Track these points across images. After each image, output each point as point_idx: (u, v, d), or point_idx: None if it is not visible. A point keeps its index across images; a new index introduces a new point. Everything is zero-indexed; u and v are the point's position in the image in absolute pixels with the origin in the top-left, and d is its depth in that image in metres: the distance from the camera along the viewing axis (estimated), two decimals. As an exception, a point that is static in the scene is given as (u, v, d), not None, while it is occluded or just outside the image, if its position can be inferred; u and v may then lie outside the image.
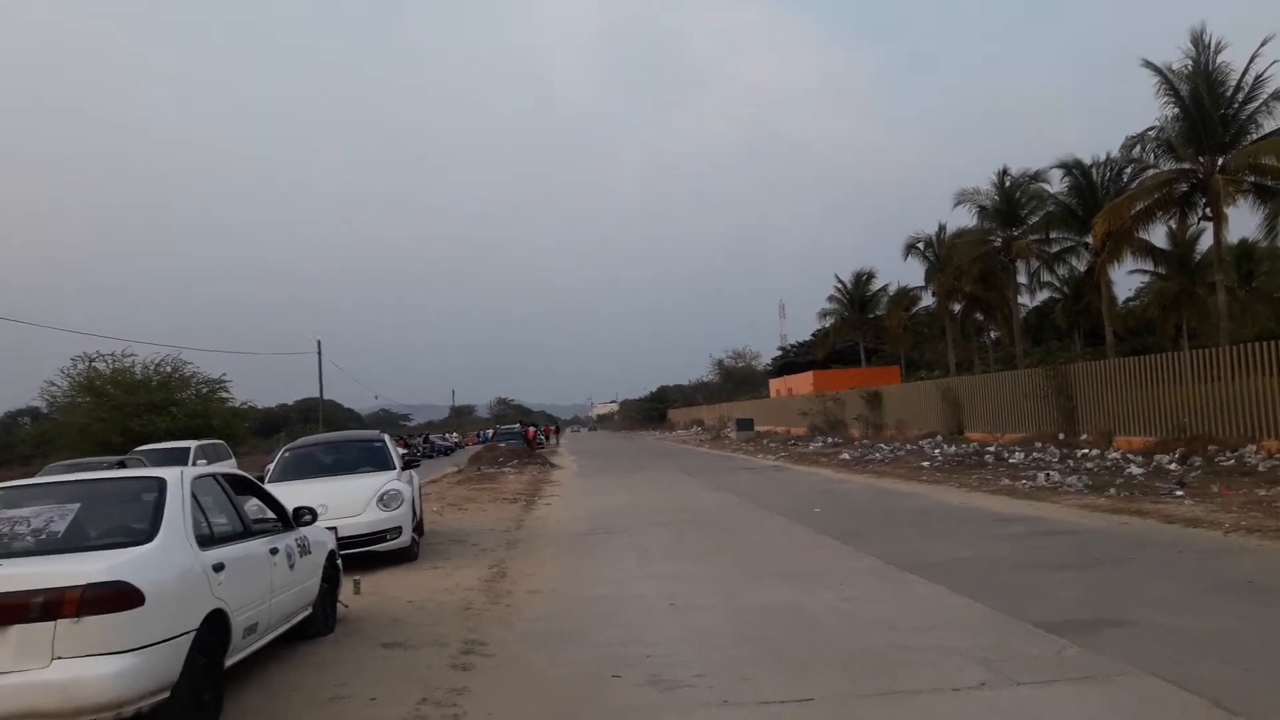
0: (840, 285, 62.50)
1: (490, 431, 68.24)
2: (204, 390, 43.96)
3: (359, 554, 11.01)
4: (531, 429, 54.98)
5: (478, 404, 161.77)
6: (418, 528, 13.41)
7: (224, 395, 45.13)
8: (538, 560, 11.28)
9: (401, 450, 50.12)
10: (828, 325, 66.43)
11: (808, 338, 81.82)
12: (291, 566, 6.73)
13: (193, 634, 4.99)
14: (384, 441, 13.21)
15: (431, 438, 68.14)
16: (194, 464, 24.13)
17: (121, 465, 19.84)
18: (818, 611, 7.61)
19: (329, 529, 10.56)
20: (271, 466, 12.92)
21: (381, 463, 12.52)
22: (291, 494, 11.28)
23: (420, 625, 7.77)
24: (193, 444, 25.53)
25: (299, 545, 7.03)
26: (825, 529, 12.65)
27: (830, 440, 36.63)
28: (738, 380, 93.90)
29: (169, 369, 42.72)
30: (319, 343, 57.22)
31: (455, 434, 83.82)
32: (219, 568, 5.43)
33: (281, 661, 6.74)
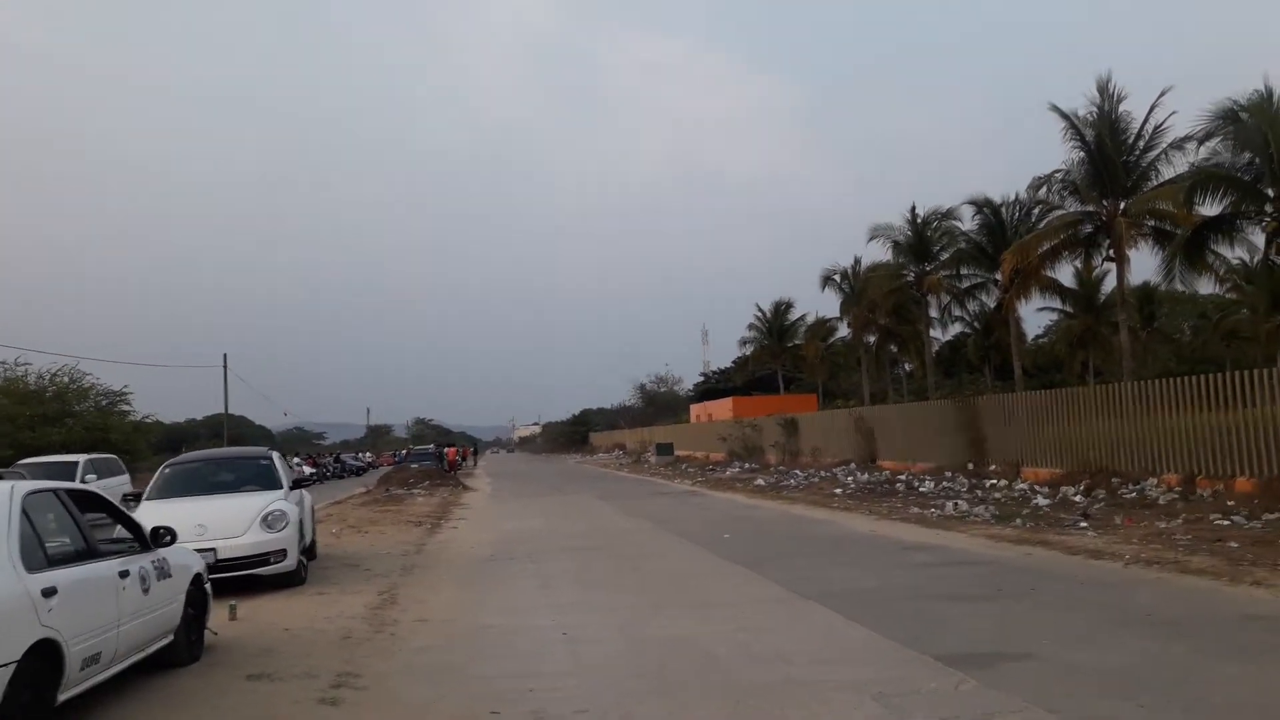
0: (760, 314, 63.03)
1: (405, 451, 66.66)
2: (103, 403, 42.09)
3: (240, 578, 10.39)
4: (452, 449, 53.74)
5: (395, 424, 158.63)
6: (308, 551, 12.79)
7: (125, 408, 43.32)
8: (432, 587, 10.77)
9: (308, 469, 48.57)
10: (748, 353, 67.00)
11: (729, 364, 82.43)
12: (146, 591, 6.17)
13: (13, 666, 4.46)
14: (271, 459, 12.54)
15: (343, 457, 66.38)
16: (82, 479, 22.81)
17: (-3, 480, 18.66)
18: (714, 644, 7.32)
19: (207, 550, 10.03)
20: (151, 483, 12.19)
21: (268, 481, 11.86)
22: (169, 513, 10.65)
23: (293, 655, 7.25)
24: (81, 458, 24.12)
25: (156, 568, 6.47)
26: (733, 556, 12.41)
27: (747, 466, 36.64)
28: (660, 405, 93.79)
29: (66, 379, 40.82)
30: (225, 356, 55.48)
31: (368, 453, 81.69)
32: (50, 593, 4.90)
33: (130, 695, 6.18)
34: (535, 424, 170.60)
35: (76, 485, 6.63)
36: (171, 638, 6.72)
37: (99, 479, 23.27)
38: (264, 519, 10.64)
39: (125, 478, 25.01)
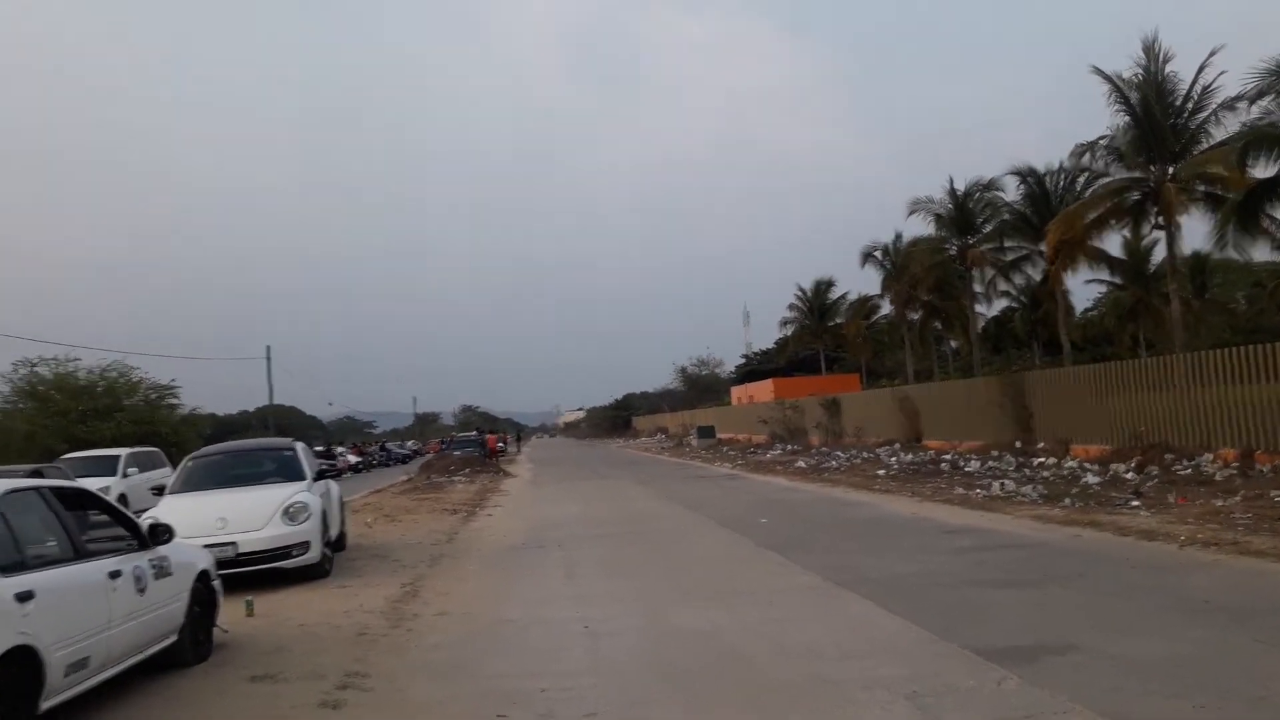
0: (801, 293, 62.28)
1: (449, 438, 67.00)
2: (152, 396, 42.71)
3: (264, 571, 10.23)
4: (492, 436, 53.64)
5: (443, 411, 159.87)
6: (337, 542, 12.64)
7: (173, 401, 43.93)
8: (458, 578, 10.53)
9: (353, 458, 48.97)
10: (789, 333, 66.25)
11: (770, 346, 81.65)
12: (142, 591, 5.95)
13: (-18, 675, 4.24)
14: (295, 450, 12.35)
15: (388, 445, 66.89)
16: (124, 473, 23.05)
17: (38, 474, 18.83)
18: (741, 637, 6.97)
19: (228, 544, 9.88)
20: (173, 477, 12.09)
21: (292, 473, 11.68)
22: (190, 506, 10.58)
23: (303, 654, 7.02)
24: (123, 451, 24.40)
25: (155, 567, 6.25)
26: (768, 541, 12.03)
27: (789, 448, 36.14)
28: (701, 388, 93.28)
29: (115, 374, 41.47)
30: (268, 348, 55.96)
31: (413, 441, 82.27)
32: (25, 597, 4.67)
33: (128, 697, 5.98)
34: (579, 409, 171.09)
35: (64, 483, 6.43)
36: (175, 638, 6.52)
37: (141, 472, 23.52)
38: (285, 511, 10.46)
39: (167, 470, 25.20)
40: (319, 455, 45.71)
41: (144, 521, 6.70)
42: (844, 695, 5.38)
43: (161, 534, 6.46)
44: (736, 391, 72.29)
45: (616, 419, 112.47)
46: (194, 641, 6.79)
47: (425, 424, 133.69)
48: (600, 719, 5.17)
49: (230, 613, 8.49)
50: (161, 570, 6.34)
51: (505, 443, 66.43)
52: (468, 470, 33.10)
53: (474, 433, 56.92)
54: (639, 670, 6.22)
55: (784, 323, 65.42)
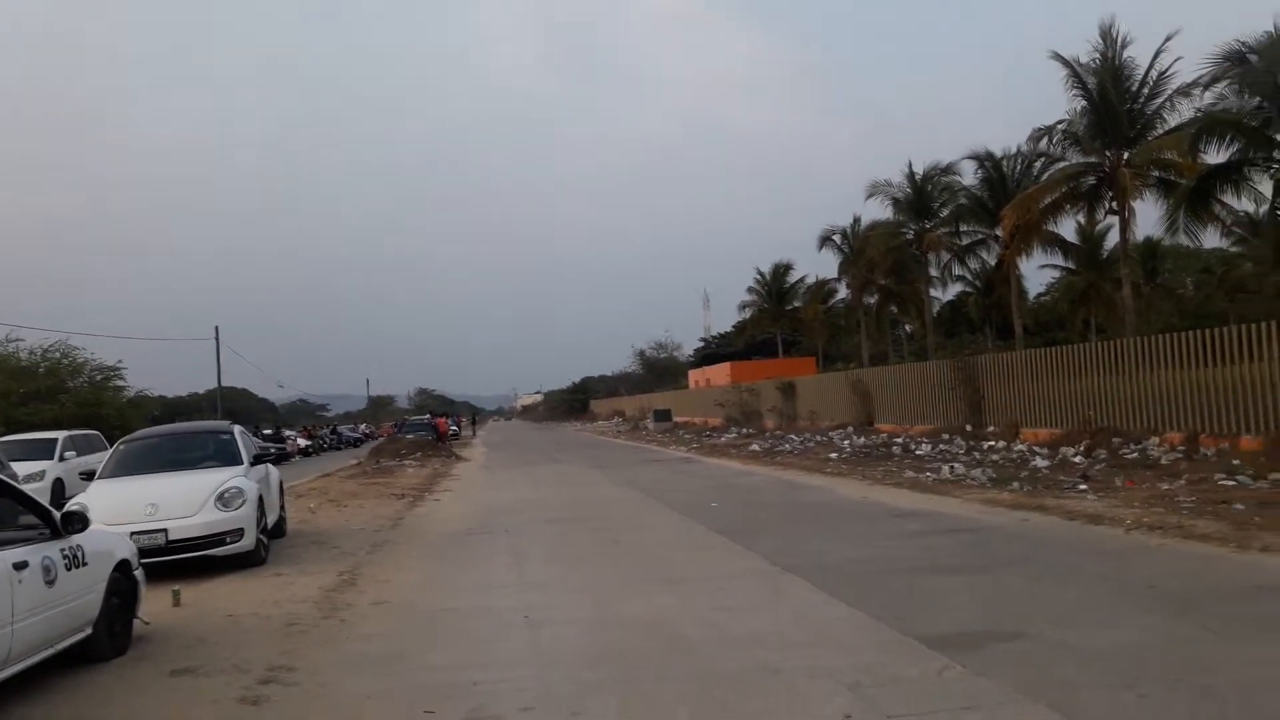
0: (760, 276, 62.27)
1: (400, 421, 66.20)
2: (97, 378, 41.59)
3: (196, 559, 9.87)
4: (441, 419, 52.86)
5: (398, 394, 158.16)
6: (277, 529, 12.29)
7: (119, 383, 42.83)
8: (398, 566, 10.24)
9: (303, 441, 48.19)
10: (747, 317, 66.30)
11: (729, 329, 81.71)
12: (51, 583, 5.63)
13: None
14: (233, 433, 11.94)
15: (339, 429, 65.97)
16: (61, 456, 22.34)
17: (-32, 459, 18.18)
18: (686, 625, 6.79)
19: (158, 531, 9.52)
20: (104, 461, 11.65)
21: (228, 457, 11.28)
22: (118, 492, 10.19)
23: (228, 646, 6.72)
24: (60, 434, 23.65)
25: (67, 557, 5.92)
26: (718, 526, 11.89)
27: (744, 431, 36.13)
28: (659, 371, 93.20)
29: (58, 355, 40.30)
30: (216, 329, 54.81)
31: (365, 425, 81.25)
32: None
33: (37, 694, 5.67)
34: (537, 393, 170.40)
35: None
36: (89, 631, 6.19)
37: (79, 455, 22.79)
38: (219, 497, 10.09)
39: (107, 454, 24.53)
40: (268, 438, 45.07)
41: (72, 508, 6.35)
42: (787, 685, 5.23)
43: (75, 522, 6.12)
44: (694, 375, 72.31)
45: (574, 403, 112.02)
46: (111, 634, 6.46)
47: (380, 407, 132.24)
48: (535, 713, 4.96)
49: (157, 603, 8.17)
50: (74, 560, 6.00)
51: (460, 426, 65.81)
52: (419, 454, 32.65)
53: (426, 416, 56.18)
54: (580, 661, 6.01)
55: (743, 306, 65.48)
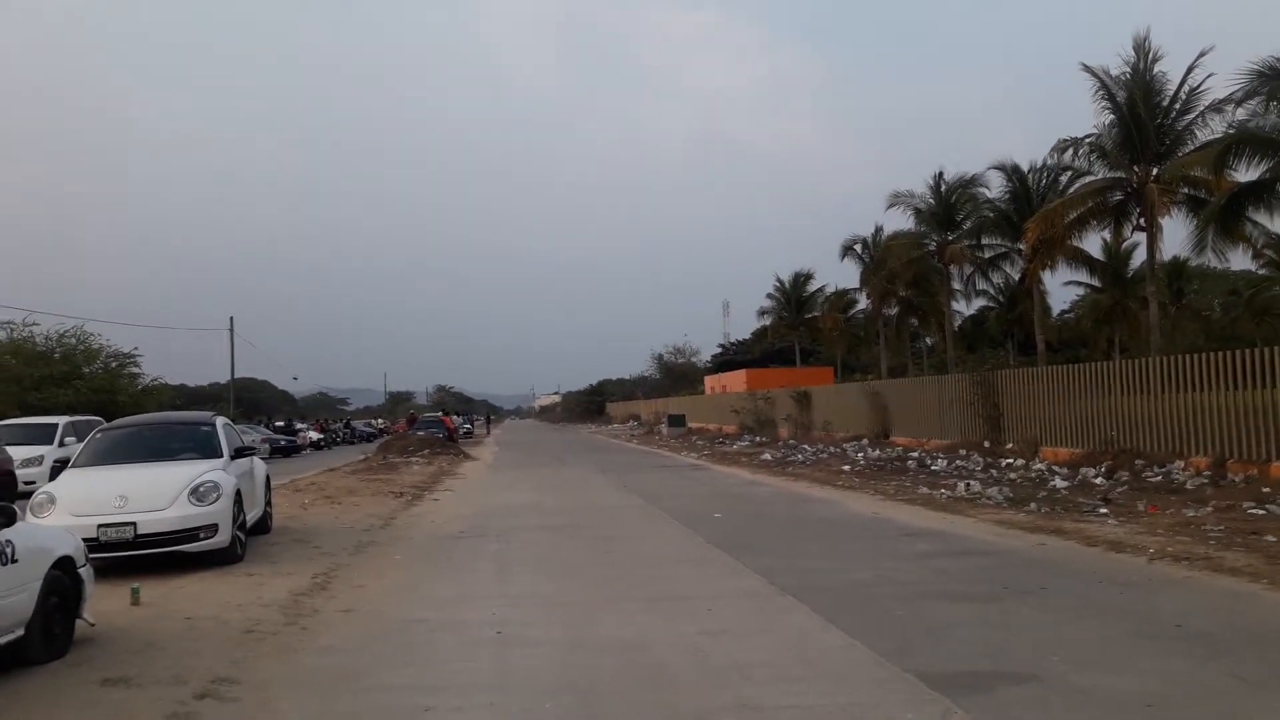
0: (779, 284, 61.69)
1: (411, 416, 65.78)
2: (112, 365, 41.50)
3: (167, 555, 9.43)
4: (448, 417, 52.29)
5: (418, 391, 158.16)
6: (259, 525, 11.86)
7: (134, 370, 42.71)
8: (378, 570, 9.76)
9: (315, 434, 47.80)
10: (766, 324, 65.68)
11: (748, 336, 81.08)
12: (-26, 582, 5.18)
13: None
14: (214, 424, 11.46)
15: (353, 423, 65.78)
16: (60, 442, 22.07)
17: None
18: (667, 651, 6.26)
19: (125, 524, 9.09)
20: (79, 450, 11.24)
21: (207, 449, 10.81)
22: (88, 482, 9.76)
23: (174, 653, 6.25)
24: (61, 420, 23.42)
25: (-4, 554, 5.46)
26: (719, 539, 11.35)
27: (757, 439, 35.53)
28: (677, 376, 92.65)
29: (74, 340, 40.20)
30: (231, 319, 54.81)
31: (381, 420, 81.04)
32: None
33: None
34: (556, 393, 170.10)
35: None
36: (20, 632, 5.74)
37: (79, 441, 22.53)
38: (193, 491, 9.63)
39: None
40: (279, 430, 44.71)
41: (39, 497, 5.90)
42: (767, 728, 4.70)
43: (6, 516, 5.67)
44: (710, 381, 71.71)
45: (591, 404, 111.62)
46: (46, 636, 6.01)
47: (398, 403, 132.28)
48: (481, 751, 4.47)
49: (116, 601, 7.74)
50: (4, 557, 5.55)
51: (472, 424, 65.46)
52: (427, 451, 32.22)
53: (440, 413, 55.68)
54: (544, 689, 5.49)
55: (762, 313, 64.86)
